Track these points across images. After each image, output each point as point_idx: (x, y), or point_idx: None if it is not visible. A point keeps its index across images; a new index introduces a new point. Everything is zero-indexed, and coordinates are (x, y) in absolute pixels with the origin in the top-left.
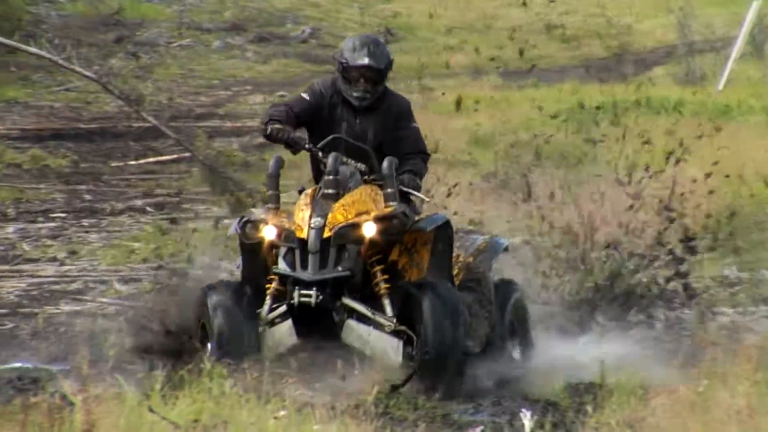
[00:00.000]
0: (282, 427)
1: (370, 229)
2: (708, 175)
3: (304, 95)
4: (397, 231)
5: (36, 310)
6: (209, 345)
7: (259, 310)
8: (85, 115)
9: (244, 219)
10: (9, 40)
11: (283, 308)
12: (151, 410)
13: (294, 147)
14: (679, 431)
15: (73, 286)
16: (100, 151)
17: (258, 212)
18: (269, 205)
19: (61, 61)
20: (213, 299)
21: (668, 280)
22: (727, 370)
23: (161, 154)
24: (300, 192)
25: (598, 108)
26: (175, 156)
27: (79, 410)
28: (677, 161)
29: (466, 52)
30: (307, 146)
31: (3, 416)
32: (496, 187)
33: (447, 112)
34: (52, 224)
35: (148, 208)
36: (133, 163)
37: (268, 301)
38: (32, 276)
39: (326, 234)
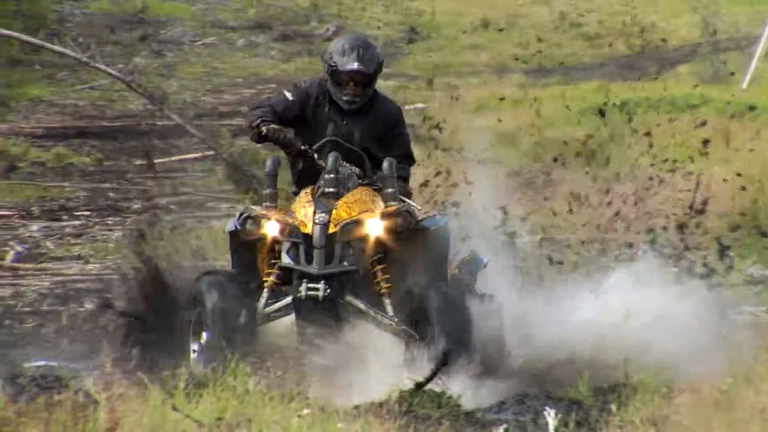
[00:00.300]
0: (306, 426)
1: (375, 226)
2: (739, 175)
3: (288, 94)
4: (403, 229)
5: (60, 309)
6: (204, 334)
7: (255, 303)
8: (109, 113)
9: (244, 215)
10: (33, 38)
11: (284, 302)
12: (174, 408)
13: (289, 147)
14: (702, 430)
15: (97, 285)
16: (124, 149)
17: (257, 209)
18: (267, 203)
19: (85, 60)
20: (208, 289)
21: (702, 276)
22: (751, 369)
23: (185, 153)
24: (294, 194)
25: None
26: (199, 154)
27: (103, 408)
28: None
29: (490, 50)
30: (302, 147)
31: (27, 414)
32: (520, 185)
33: (471, 111)
34: (77, 222)
35: (172, 207)
36: (157, 161)
37: (265, 294)
38: (56, 274)
39: (331, 230)
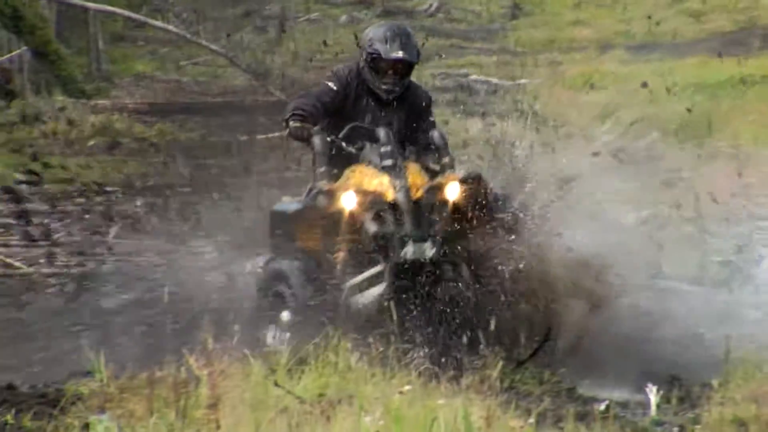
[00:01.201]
0: (407, 402)
1: (455, 191)
2: None
3: (331, 84)
4: (480, 193)
5: (162, 284)
6: (285, 314)
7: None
8: (212, 89)
9: (314, 191)
10: (137, 15)
11: (371, 272)
12: (276, 385)
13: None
14: None
15: (199, 262)
16: (228, 125)
17: (324, 185)
18: (324, 181)
19: (188, 36)
20: (292, 269)
21: None
22: None
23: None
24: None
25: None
26: None
27: (205, 384)
28: None
29: (594, 26)
30: (328, 139)
31: (129, 390)
32: (623, 161)
33: (574, 87)
34: (180, 198)
35: (277, 182)
36: (260, 137)
37: (340, 269)
38: (158, 251)
39: (415, 196)
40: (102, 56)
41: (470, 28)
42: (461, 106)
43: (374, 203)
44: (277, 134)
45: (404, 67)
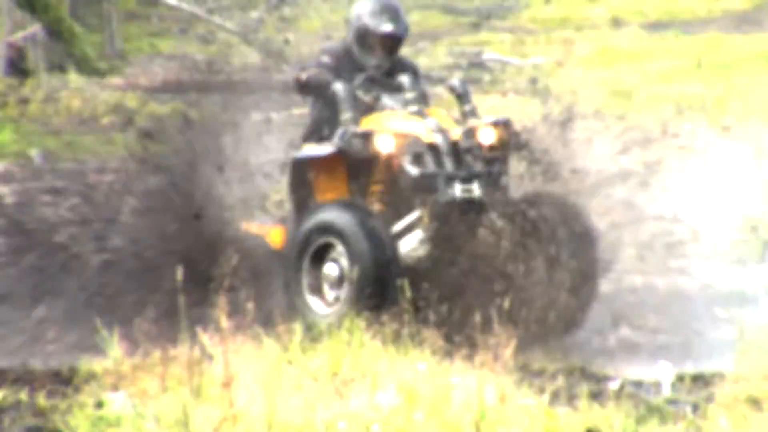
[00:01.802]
0: (421, 379)
1: (489, 135)
2: None
3: (325, 59)
4: (511, 135)
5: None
6: (328, 266)
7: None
8: (226, 67)
9: (348, 134)
10: None
11: (411, 218)
12: (290, 363)
13: (329, 89)
14: None
15: None
16: (242, 103)
17: (355, 129)
18: (353, 126)
19: (202, 14)
20: (337, 214)
21: None
22: None
23: (303, 107)
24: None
25: None
26: None
27: (218, 363)
28: None
29: (607, 4)
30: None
31: (143, 369)
32: (636, 139)
33: (587, 64)
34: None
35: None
36: (275, 115)
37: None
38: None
39: (453, 138)
40: (116, 34)
41: (484, 5)
42: (475, 84)
43: (412, 145)
44: (294, 112)
45: (393, 42)
